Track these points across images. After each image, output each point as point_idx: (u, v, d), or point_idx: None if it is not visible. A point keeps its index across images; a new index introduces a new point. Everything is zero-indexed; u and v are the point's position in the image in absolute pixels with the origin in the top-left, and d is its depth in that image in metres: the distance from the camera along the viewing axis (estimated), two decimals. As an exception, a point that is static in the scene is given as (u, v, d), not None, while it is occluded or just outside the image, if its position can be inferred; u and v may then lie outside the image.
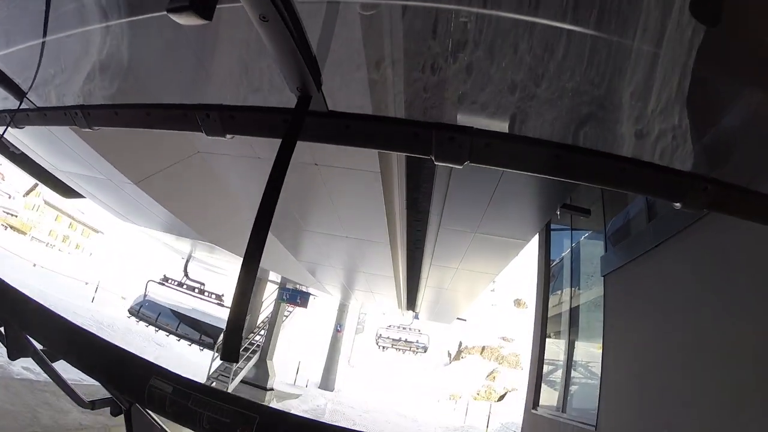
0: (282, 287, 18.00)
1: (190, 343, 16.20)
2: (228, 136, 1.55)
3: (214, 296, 15.68)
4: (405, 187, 7.24)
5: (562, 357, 11.08)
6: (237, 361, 2.57)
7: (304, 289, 18.17)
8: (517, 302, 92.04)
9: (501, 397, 33.84)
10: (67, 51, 1.91)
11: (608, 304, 7.58)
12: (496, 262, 11.14)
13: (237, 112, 1.52)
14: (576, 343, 10.25)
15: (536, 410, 11.43)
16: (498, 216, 7.20)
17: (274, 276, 17.51)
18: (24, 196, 66.14)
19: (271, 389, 16.87)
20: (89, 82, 2.03)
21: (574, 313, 10.13)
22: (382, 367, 41.51)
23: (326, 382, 29.94)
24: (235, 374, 15.30)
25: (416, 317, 25.23)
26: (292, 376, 26.11)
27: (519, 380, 34.73)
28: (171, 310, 16.70)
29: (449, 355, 42.62)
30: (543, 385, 11.81)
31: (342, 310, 31.78)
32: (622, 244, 7.22)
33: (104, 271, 40.56)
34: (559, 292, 11.89)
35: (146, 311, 16.80)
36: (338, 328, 31.55)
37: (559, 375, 11.19)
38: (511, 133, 1.48)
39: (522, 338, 41.32)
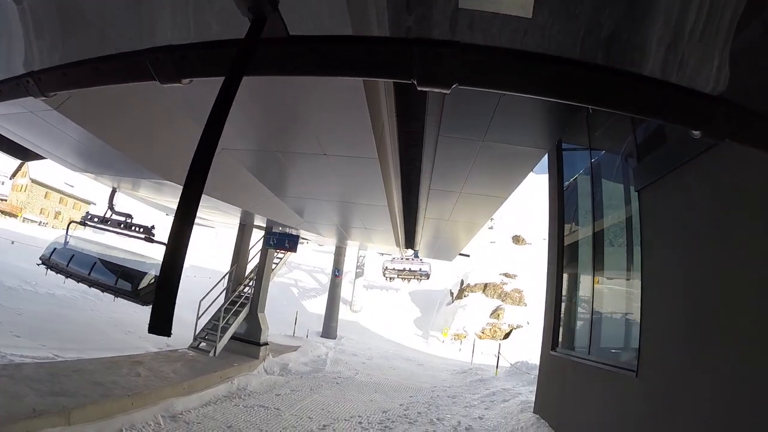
0: (268, 232, 16.68)
1: (103, 290, 12.76)
2: (184, 81, 1.41)
3: (141, 230, 12.50)
4: (393, 90, 6.64)
5: (583, 291, 9.88)
6: (169, 334, 1.33)
7: (293, 231, 16.88)
8: (516, 239, 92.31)
9: (506, 335, 33.21)
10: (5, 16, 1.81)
11: (647, 225, 6.15)
12: (505, 179, 10.58)
13: (189, 51, 1.40)
14: (600, 274, 8.94)
15: (556, 352, 10.29)
16: (509, 121, 6.50)
17: (260, 221, 16.20)
18: (11, 178, 66.40)
19: (266, 344, 15.82)
20: (34, 45, 1.94)
21: (597, 240, 8.76)
22: (385, 310, 40.90)
23: (328, 331, 29.18)
24: (224, 331, 14.12)
25: (416, 255, 25.16)
26: (292, 327, 25.26)
27: (524, 317, 34.17)
28: (85, 253, 13.54)
29: (451, 294, 41.91)
30: (563, 323, 10.65)
31: (339, 253, 30.67)
32: (666, 147, 5.72)
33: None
34: (574, 219, 10.58)
35: (57, 258, 13.73)
36: (336, 273, 30.51)
37: (581, 312, 10.02)
38: (508, 48, 1.28)
39: (524, 274, 40.66)
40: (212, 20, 1.52)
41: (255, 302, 15.86)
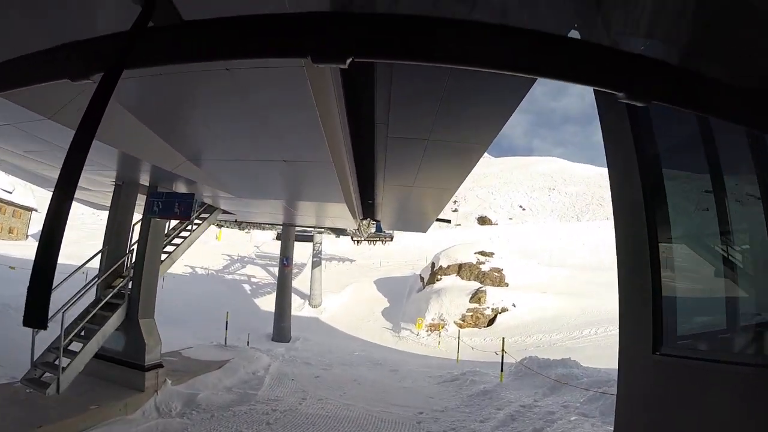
0: (152, 193, 11.15)
1: None
2: (92, 77, 1.26)
3: None
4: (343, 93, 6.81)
5: (710, 264, 5.12)
6: (45, 327, 1.02)
7: (184, 190, 11.36)
8: (482, 219, 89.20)
9: (491, 321, 28.42)
10: None
11: None
12: (455, 172, 10.63)
13: (91, 45, 1.33)
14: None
15: (665, 354, 5.36)
16: (451, 120, 6.87)
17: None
18: None
19: (156, 366, 10.43)
20: None
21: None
22: (350, 303, 35.73)
23: (279, 333, 23.82)
24: (71, 355, 8.70)
25: (378, 229, 20.35)
26: (235, 333, 20.16)
27: (508, 299, 29.44)
28: None
29: (421, 279, 36.96)
30: (682, 309, 5.70)
31: (287, 236, 25.26)
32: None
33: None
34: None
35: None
36: (285, 263, 24.99)
37: (712, 292, 5.23)
38: (400, 14, 1.17)
39: (500, 253, 36.14)
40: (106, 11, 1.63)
41: (135, 304, 10.39)
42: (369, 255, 56.35)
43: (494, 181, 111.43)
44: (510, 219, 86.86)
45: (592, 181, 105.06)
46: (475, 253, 35.42)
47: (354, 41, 1.14)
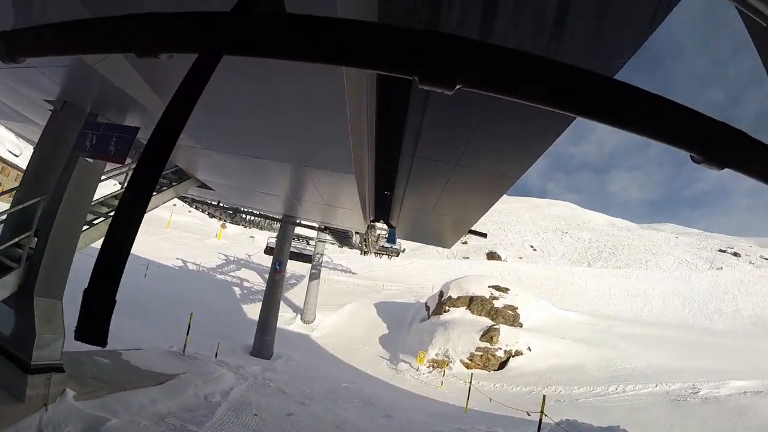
0: (89, 123, 7.88)
1: None
2: (162, 55, 1.24)
3: None
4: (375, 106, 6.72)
5: None
6: (104, 344, 0.96)
7: (127, 122, 8.10)
8: (491, 255, 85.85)
9: (502, 364, 24.91)
10: None
11: None
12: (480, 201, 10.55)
13: (174, 21, 1.25)
14: None
15: None
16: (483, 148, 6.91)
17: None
18: None
19: (51, 369, 7.14)
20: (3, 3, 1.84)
21: None
22: (346, 324, 32.36)
23: (260, 346, 20.51)
24: None
25: (391, 239, 17.22)
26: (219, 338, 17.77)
27: (523, 341, 25.97)
28: None
29: (427, 308, 33.50)
30: None
31: (284, 235, 22.04)
32: None
33: None
34: None
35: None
36: (276, 267, 21.69)
37: None
38: (511, 48, 1.17)
39: (515, 289, 32.79)
40: None
41: (33, 273, 7.12)
42: (372, 276, 53.21)
43: (506, 218, 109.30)
44: (520, 258, 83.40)
45: (605, 230, 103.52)
46: (489, 286, 31.99)
47: (466, 68, 1.11)
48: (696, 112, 1.18)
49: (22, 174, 41.23)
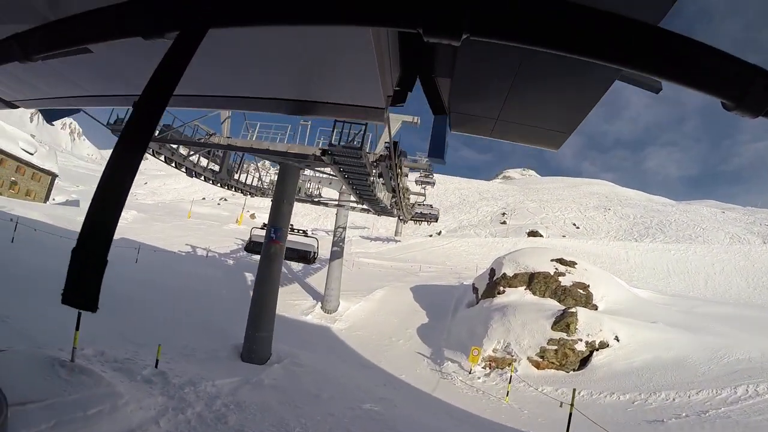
0: None
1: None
2: (168, 35, 1.26)
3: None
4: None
5: None
6: (95, 309, 0.90)
7: None
8: (533, 234, 79.87)
9: (584, 361, 18.52)
10: None
11: None
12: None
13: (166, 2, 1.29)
14: None
15: None
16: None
17: None
18: None
19: None
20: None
21: None
22: (376, 312, 26.44)
23: (252, 347, 14.66)
24: None
25: (436, 145, 10.51)
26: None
27: (607, 328, 19.47)
28: None
29: (474, 290, 27.24)
30: None
31: (282, 182, 15.98)
32: None
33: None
34: None
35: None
36: (272, 236, 15.60)
37: None
38: None
39: (585, 262, 26.40)
40: None
41: None
42: (406, 258, 47.38)
43: (545, 197, 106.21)
44: (563, 236, 76.91)
45: (648, 206, 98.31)
46: (552, 260, 25.52)
47: (470, 16, 1.06)
48: (728, 55, 1.10)
49: (35, 172, 42.20)
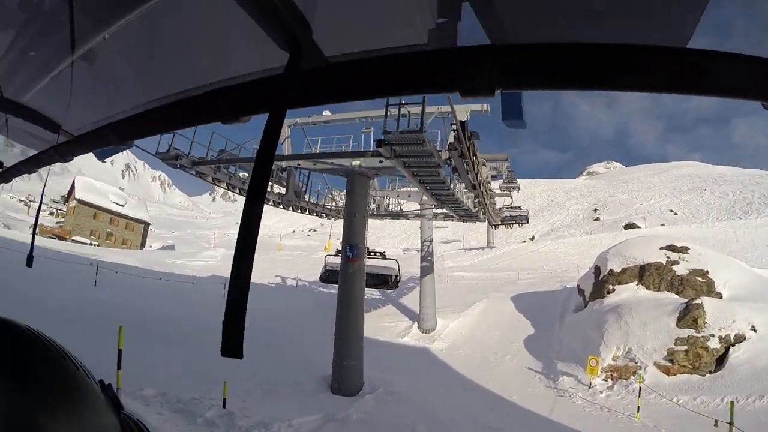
0: None
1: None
2: (243, 119, 1.41)
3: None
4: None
5: None
6: (241, 356, 0.97)
7: None
8: (630, 226, 75.04)
9: (719, 360, 15.84)
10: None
11: None
12: None
13: (239, 90, 1.35)
14: None
15: None
16: None
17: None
18: (64, 203, 68.65)
19: None
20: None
21: None
22: (477, 328, 24.71)
23: (340, 377, 13.60)
24: None
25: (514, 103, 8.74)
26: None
27: (740, 318, 16.59)
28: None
29: (581, 293, 24.76)
30: None
31: (352, 192, 14.88)
32: None
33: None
34: None
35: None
36: (348, 254, 14.42)
37: None
38: (551, 42, 1.08)
39: (697, 246, 23.30)
40: (253, 58, 1.45)
41: None
42: (502, 267, 45.10)
43: (634, 186, 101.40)
44: (662, 225, 71.69)
45: (745, 180, 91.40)
46: (661, 248, 22.63)
47: (503, 74, 1.07)
48: (757, 58, 0.99)
49: (128, 222, 45.90)
